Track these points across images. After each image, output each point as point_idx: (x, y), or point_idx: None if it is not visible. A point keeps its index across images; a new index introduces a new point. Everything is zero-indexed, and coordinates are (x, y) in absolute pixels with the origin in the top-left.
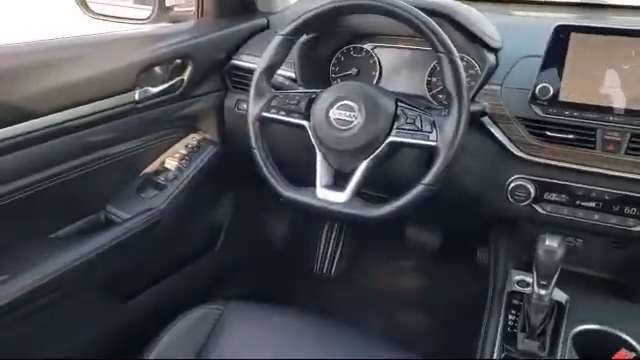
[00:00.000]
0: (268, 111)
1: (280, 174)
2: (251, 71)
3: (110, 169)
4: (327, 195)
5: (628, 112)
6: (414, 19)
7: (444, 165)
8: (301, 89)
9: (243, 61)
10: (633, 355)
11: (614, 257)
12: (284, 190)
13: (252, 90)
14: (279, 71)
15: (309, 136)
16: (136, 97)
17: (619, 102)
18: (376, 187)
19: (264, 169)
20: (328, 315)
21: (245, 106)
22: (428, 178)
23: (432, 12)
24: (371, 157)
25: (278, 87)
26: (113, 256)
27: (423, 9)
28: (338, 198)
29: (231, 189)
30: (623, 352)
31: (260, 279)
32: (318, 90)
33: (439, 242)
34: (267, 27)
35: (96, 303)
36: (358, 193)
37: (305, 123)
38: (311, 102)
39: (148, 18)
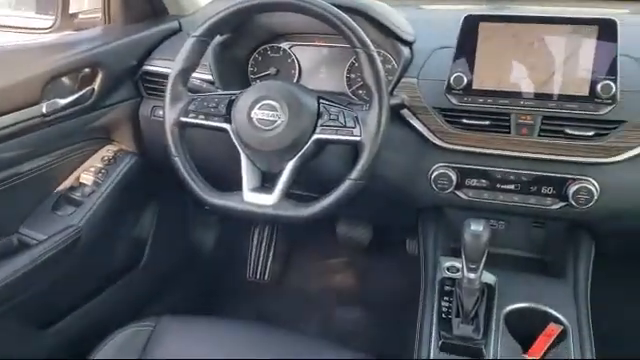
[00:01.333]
0: (186, 116)
1: (204, 181)
2: (165, 76)
3: (21, 188)
4: (255, 198)
5: (538, 96)
6: (330, 16)
7: (370, 159)
8: (220, 91)
9: (156, 66)
10: (561, 328)
11: (535, 236)
12: (209, 197)
13: (167, 95)
14: (195, 74)
15: (232, 139)
16: (44, 110)
17: (529, 87)
18: (305, 186)
19: (186, 177)
20: (265, 321)
21: (161, 113)
22: (355, 173)
23: (347, 9)
24: (297, 156)
25: (195, 91)
26: (31, 280)
27: (338, 6)
28: (266, 200)
29: (154, 200)
30: (552, 326)
31: (192, 291)
32: (238, 91)
33: (369, 237)
34: (179, 30)
35: (16, 331)
36: (287, 194)
37: (226, 126)
38: (231, 104)
39: (51, 27)
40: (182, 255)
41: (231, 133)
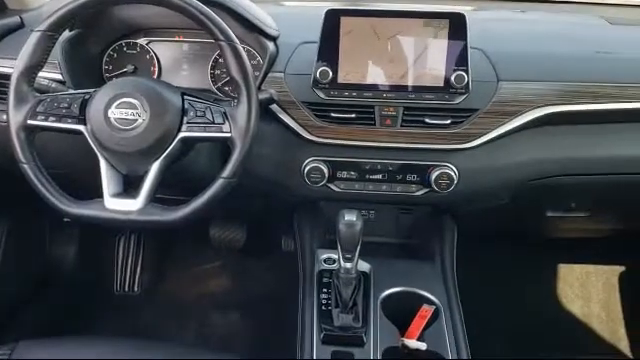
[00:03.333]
0: (34, 118)
1: (59, 189)
2: (7, 76)
3: None
4: (118, 204)
5: (398, 88)
6: (190, 8)
7: (242, 156)
8: (71, 91)
9: None
10: (433, 308)
11: (403, 222)
12: (67, 206)
13: (11, 96)
14: (42, 73)
15: (88, 142)
16: None
17: (390, 79)
18: (173, 188)
19: (39, 185)
20: (139, 334)
21: (5, 117)
22: (227, 171)
23: (207, 1)
24: (163, 157)
25: (44, 91)
26: None
27: None
28: (131, 206)
29: (3, 216)
30: (425, 307)
31: (56, 311)
32: (92, 90)
33: (244, 237)
34: (21, 26)
35: None
36: (153, 198)
37: (81, 127)
38: (85, 103)
39: None
40: (40, 273)
41: (87, 135)
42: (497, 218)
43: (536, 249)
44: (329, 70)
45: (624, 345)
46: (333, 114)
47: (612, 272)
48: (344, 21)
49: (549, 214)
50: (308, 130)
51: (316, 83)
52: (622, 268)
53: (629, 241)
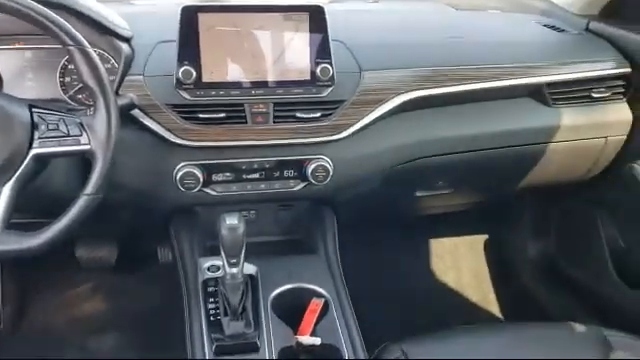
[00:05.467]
0: None
1: None
2: None
3: None
4: None
5: (266, 84)
6: (29, 11)
7: (104, 169)
8: None
9: None
10: (323, 300)
11: (285, 219)
12: None
13: None
14: None
15: None
16: None
17: (257, 76)
18: (31, 211)
19: None
20: None
21: None
22: (90, 187)
23: (49, 3)
24: (14, 178)
25: None
26: None
27: (38, 1)
28: None
29: None
30: (314, 301)
31: None
32: None
33: (115, 253)
34: None
35: None
36: (7, 224)
37: None
38: None
39: None
40: None
41: None
42: (371, 203)
43: (409, 227)
44: (192, 70)
45: (495, 308)
46: (201, 115)
47: (478, 241)
48: (202, 18)
49: (418, 194)
50: (176, 134)
51: (179, 84)
52: (485, 236)
53: (489, 211)
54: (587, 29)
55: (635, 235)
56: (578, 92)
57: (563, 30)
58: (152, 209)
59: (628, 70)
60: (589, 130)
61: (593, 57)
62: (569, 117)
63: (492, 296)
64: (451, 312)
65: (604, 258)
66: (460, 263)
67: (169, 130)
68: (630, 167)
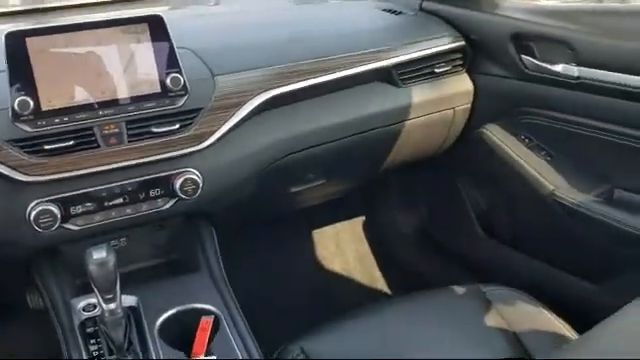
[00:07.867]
0: None
1: None
2: None
3: None
4: None
5: (114, 102)
6: None
7: None
8: None
9: None
10: (213, 317)
11: (160, 240)
12: None
13: None
14: None
15: None
16: None
17: (103, 95)
18: None
19: None
20: None
21: None
22: None
23: None
24: None
25: None
26: None
27: None
28: None
29: None
30: (204, 319)
31: None
32: None
33: None
34: None
35: None
36: None
37: None
38: None
39: None
40: None
41: None
42: (249, 207)
43: (289, 223)
44: (28, 99)
45: (383, 286)
46: (47, 147)
47: (357, 223)
48: (31, 42)
49: (292, 190)
50: (23, 171)
51: (16, 116)
52: (363, 218)
53: (363, 194)
54: (421, 9)
55: (493, 193)
56: (423, 69)
57: (400, 12)
58: (8, 256)
59: (463, 43)
60: (438, 104)
61: (431, 35)
62: (418, 94)
63: (378, 274)
64: (343, 297)
65: (471, 220)
66: (344, 248)
67: (14, 168)
68: (479, 132)
